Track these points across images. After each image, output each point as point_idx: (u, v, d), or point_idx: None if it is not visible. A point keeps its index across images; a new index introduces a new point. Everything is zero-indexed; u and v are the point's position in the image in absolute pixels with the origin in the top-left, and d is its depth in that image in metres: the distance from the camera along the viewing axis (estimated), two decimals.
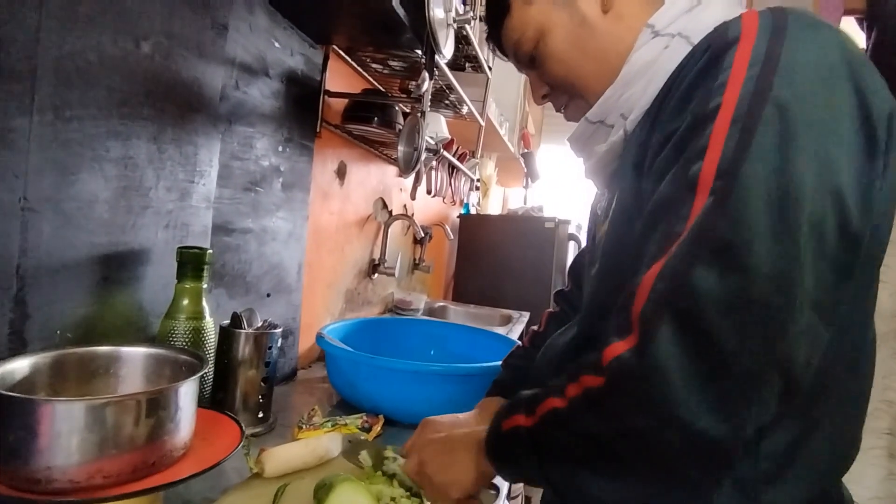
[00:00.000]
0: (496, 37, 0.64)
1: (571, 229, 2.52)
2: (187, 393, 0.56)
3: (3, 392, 0.48)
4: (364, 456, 0.67)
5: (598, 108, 0.57)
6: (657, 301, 0.38)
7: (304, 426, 0.84)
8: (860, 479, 1.52)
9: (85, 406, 0.49)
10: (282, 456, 0.68)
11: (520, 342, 0.86)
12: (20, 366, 0.54)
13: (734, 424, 0.37)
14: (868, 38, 1.55)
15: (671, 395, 0.36)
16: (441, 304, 2.17)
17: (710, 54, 0.43)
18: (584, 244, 0.80)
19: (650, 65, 0.52)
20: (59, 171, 0.59)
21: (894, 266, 1.52)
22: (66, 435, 0.47)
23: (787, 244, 0.37)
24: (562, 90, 0.62)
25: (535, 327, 0.86)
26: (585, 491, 0.46)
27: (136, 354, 0.63)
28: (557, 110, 0.64)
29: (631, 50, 0.54)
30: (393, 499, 0.61)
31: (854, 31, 1.62)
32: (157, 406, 0.53)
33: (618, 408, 0.40)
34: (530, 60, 0.61)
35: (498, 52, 0.66)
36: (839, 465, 0.48)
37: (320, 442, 0.71)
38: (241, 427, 0.64)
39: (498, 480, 0.58)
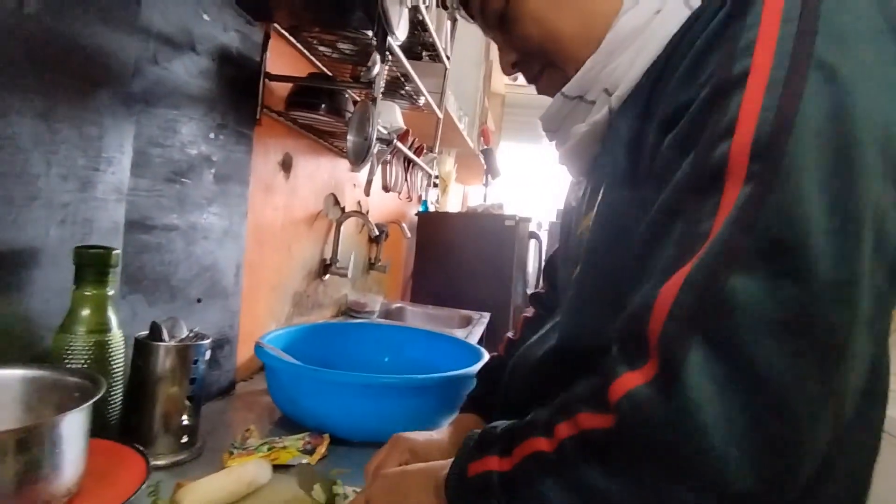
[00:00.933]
0: None
1: (532, 227, 2.47)
2: (73, 425, 0.46)
3: None
4: (317, 491, 0.59)
5: (577, 82, 0.49)
6: (684, 319, 0.31)
7: (235, 451, 0.73)
8: None
9: None
10: (202, 489, 0.58)
11: (492, 354, 0.79)
12: None
13: (783, 482, 0.29)
14: None
15: (704, 446, 0.28)
16: (398, 305, 2.08)
17: (728, 10, 0.35)
18: (545, 243, 0.73)
19: (639, 31, 0.44)
20: None
21: None
22: None
23: (851, 242, 0.30)
24: (535, 57, 0.53)
25: (510, 334, 0.78)
26: None
27: (10, 378, 0.52)
28: (529, 82, 0.56)
29: (618, 12, 0.46)
30: None
31: None
32: (26, 446, 0.42)
33: (631, 459, 0.31)
34: (499, 19, 0.52)
35: (462, 12, 0.57)
36: (858, 499, 0.42)
37: (246, 469, 0.62)
38: (146, 459, 0.53)
39: None
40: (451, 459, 0.44)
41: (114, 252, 0.62)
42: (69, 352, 0.60)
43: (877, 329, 0.34)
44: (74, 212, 0.65)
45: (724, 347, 0.29)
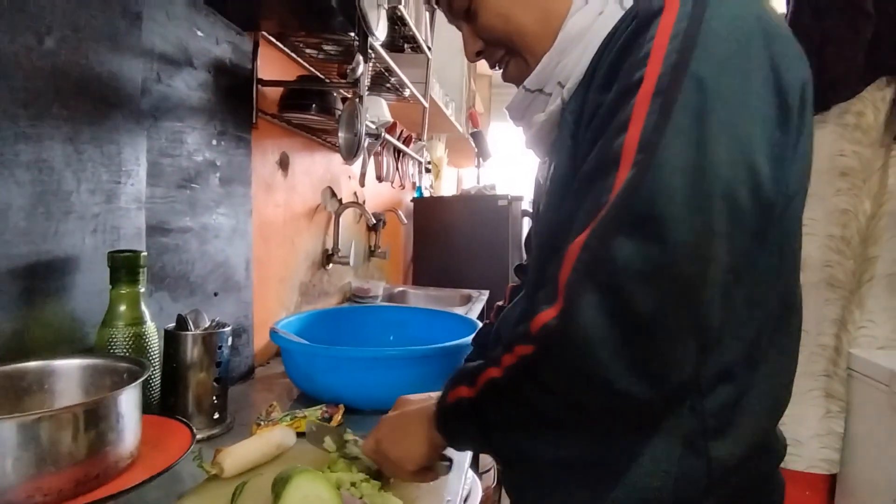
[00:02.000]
0: None
1: (525, 205, 2.55)
2: (129, 400, 0.54)
3: None
4: (328, 442, 0.68)
5: (535, 77, 0.56)
6: (580, 270, 0.40)
7: (262, 423, 0.83)
8: (801, 419, 1.64)
9: (17, 424, 0.47)
10: (238, 452, 0.67)
11: (485, 321, 0.87)
12: None
13: (654, 383, 0.39)
14: (788, 1, 1.61)
15: (594, 358, 0.38)
16: (400, 289, 2.17)
17: (636, 24, 0.44)
18: None
19: (585, 31, 0.52)
20: None
21: (820, 219, 1.62)
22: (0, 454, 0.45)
23: (703, 216, 0.38)
24: (499, 46, 0.60)
25: (499, 302, 0.87)
26: (527, 454, 0.48)
27: (70, 367, 0.61)
28: (492, 67, 0.63)
29: (569, 11, 0.53)
30: (353, 483, 0.61)
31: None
32: (95, 417, 0.51)
33: (548, 373, 0.41)
34: (465, 12, 0.59)
35: (431, 2, 0.65)
36: (776, 415, 0.51)
37: (273, 434, 0.71)
38: (191, 429, 0.62)
39: (453, 452, 0.59)
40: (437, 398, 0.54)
41: (142, 254, 0.71)
42: (111, 343, 0.69)
43: (763, 272, 0.43)
44: (103, 221, 0.73)
45: (608, 290, 0.38)
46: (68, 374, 0.60)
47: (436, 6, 0.65)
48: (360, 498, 0.60)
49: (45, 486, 0.47)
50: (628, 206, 0.39)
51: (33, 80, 0.62)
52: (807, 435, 1.62)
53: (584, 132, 0.47)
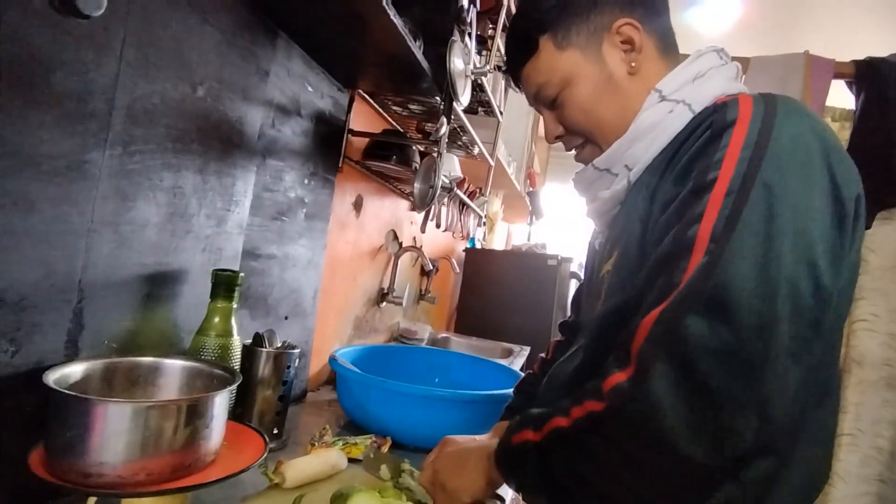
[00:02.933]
0: (517, 72, 0.69)
1: (573, 267, 2.58)
2: (221, 403, 0.62)
3: (66, 391, 0.54)
4: (384, 470, 0.72)
5: (605, 158, 0.64)
6: (654, 341, 0.45)
7: (316, 443, 0.88)
8: None
9: (135, 408, 0.55)
10: (299, 466, 0.73)
11: (527, 371, 0.91)
12: (75, 370, 0.60)
13: (714, 452, 0.43)
14: (857, 100, 1.65)
15: (662, 421, 0.42)
16: (444, 335, 2.22)
17: (712, 132, 0.51)
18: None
19: (655, 125, 0.59)
20: (121, 198, 0.66)
21: (883, 316, 1.58)
22: (117, 434, 0.53)
23: (769, 303, 0.44)
24: (577, 134, 0.68)
25: (542, 355, 0.91)
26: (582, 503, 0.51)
27: (174, 366, 0.69)
28: (567, 150, 0.71)
29: (641, 108, 0.61)
30: None
31: (844, 94, 1.73)
32: (196, 412, 0.58)
33: (616, 431, 0.45)
34: (551, 102, 0.67)
35: (513, 85, 0.73)
36: (811, 493, 0.53)
37: (330, 454, 0.76)
38: (264, 438, 0.69)
39: (503, 491, 0.63)
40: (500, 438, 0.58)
41: (241, 274, 0.80)
42: (202, 350, 0.77)
43: (813, 358, 0.47)
44: (212, 242, 0.84)
45: (678, 362, 0.43)
46: (171, 372, 0.69)
47: (518, 90, 0.73)
48: None
49: (148, 468, 0.55)
50: (701, 289, 0.44)
51: (184, 121, 0.74)
52: None
53: (656, 216, 0.53)
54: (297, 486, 0.72)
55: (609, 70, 0.63)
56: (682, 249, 0.47)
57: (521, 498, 0.69)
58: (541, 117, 0.72)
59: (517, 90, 0.74)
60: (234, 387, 0.64)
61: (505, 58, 0.72)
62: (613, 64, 0.63)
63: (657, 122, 0.59)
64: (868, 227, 1.58)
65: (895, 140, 1.50)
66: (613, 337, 0.56)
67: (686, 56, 0.63)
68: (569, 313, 0.92)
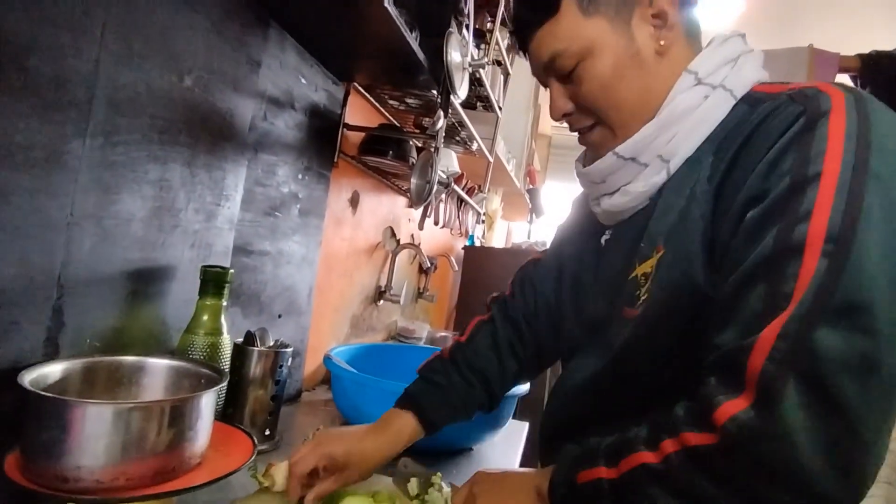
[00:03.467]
0: (528, 35, 0.60)
1: (538, 247, 2.55)
2: (207, 404, 0.59)
3: (42, 392, 0.51)
4: (413, 483, 0.65)
5: (631, 145, 0.56)
6: (780, 361, 0.39)
7: None
8: None
9: (115, 409, 0.52)
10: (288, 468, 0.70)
11: (436, 354, 0.79)
12: (53, 370, 0.58)
13: (855, 486, 0.38)
14: None
15: (797, 458, 0.37)
16: (443, 333, 2.19)
17: (805, 122, 0.46)
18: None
19: (690, 111, 0.54)
20: (103, 191, 0.63)
21: None
22: (96, 436, 0.51)
23: None
24: (589, 114, 0.60)
25: (458, 336, 0.81)
26: None
27: (159, 365, 0.67)
28: (573, 130, 0.64)
29: (669, 91, 0.55)
30: None
31: None
32: (179, 414, 0.56)
33: (735, 469, 0.40)
34: (567, 74, 0.58)
35: (521, 53, 0.64)
36: None
37: None
38: (253, 441, 0.66)
39: None
40: (549, 468, 0.53)
41: (230, 271, 0.78)
42: (191, 349, 0.75)
43: None
44: (201, 238, 0.81)
45: (812, 384, 0.38)
46: (156, 371, 0.66)
47: (525, 57, 0.64)
48: None
49: (129, 472, 0.52)
50: (829, 295, 0.39)
51: (170, 111, 0.72)
52: None
53: (735, 218, 0.48)
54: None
55: (637, 45, 0.56)
56: (789, 252, 0.42)
57: None
58: (540, 112, 0.65)
59: (523, 56, 0.65)
60: (221, 387, 0.61)
61: (515, 15, 0.63)
62: (642, 39, 0.56)
63: (693, 107, 0.54)
64: None
65: None
66: (662, 348, 0.52)
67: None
68: (512, 290, 0.80)
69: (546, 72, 0.61)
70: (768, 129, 0.48)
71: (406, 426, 0.69)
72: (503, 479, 0.58)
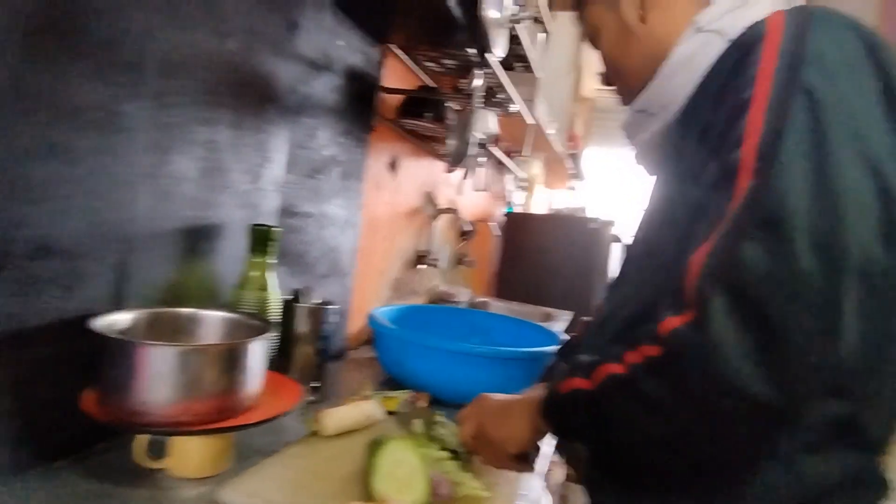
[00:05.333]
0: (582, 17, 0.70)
1: (615, 231, 2.50)
2: (259, 350, 0.63)
3: (111, 335, 0.56)
4: (416, 424, 0.73)
5: (643, 99, 0.62)
6: (709, 276, 0.41)
7: (354, 397, 0.90)
8: None
9: (176, 351, 0.56)
10: (337, 415, 0.74)
11: (571, 334, 0.89)
12: (122, 318, 0.63)
13: (786, 390, 0.39)
14: None
15: (726, 363, 0.39)
16: (483, 299, 2.21)
17: (740, 51, 0.47)
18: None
19: (689, 59, 0.56)
20: (158, 151, 0.67)
21: None
22: (159, 375, 0.55)
23: (830, 216, 0.39)
24: (611, 77, 0.69)
25: (587, 318, 0.88)
26: (637, 451, 0.49)
27: (213, 317, 0.71)
28: (619, 97, 0.70)
29: (667, 52, 0.58)
30: (439, 460, 0.66)
31: None
32: (233, 357, 0.60)
33: (677, 376, 0.43)
34: (592, 42, 0.69)
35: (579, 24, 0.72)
36: (883, 442, 0.49)
37: (367, 405, 0.77)
38: (301, 385, 0.70)
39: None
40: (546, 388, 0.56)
41: (276, 229, 0.81)
42: (242, 304, 0.79)
43: (884, 283, 0.41)
44: (249, 198, 0.84)
45: (738, 295, 0.39)
46: (211, 322, 0.71)
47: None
48: (445, 474, 0.64)
49: (192, 409, 0.56)
50: (752, 210, 0.40)
51: (215, 73, 0.74)
52: None
53: (692, 152, 0.50)
54: (336, 434, 0.73)
55: (623, 19, 0.62)
56: (727, 175, 0.43)
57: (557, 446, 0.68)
58: (583, 72, 0.73)
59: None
60: (268, 336, 0.65)
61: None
62: (625, 12, 0.62)
63: (692, 55, 0.56)
64: None
65: None
66: (640, 279, 0.54)
67: None
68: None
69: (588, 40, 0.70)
70: (720, 66, 0.50)
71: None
72: (505, 405, 0.62)
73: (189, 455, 0.60)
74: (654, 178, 0.67)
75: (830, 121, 0.41)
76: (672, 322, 0.43)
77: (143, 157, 0.65)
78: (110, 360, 0.56)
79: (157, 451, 0.60)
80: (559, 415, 0.54)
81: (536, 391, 0.58)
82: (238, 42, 0.77)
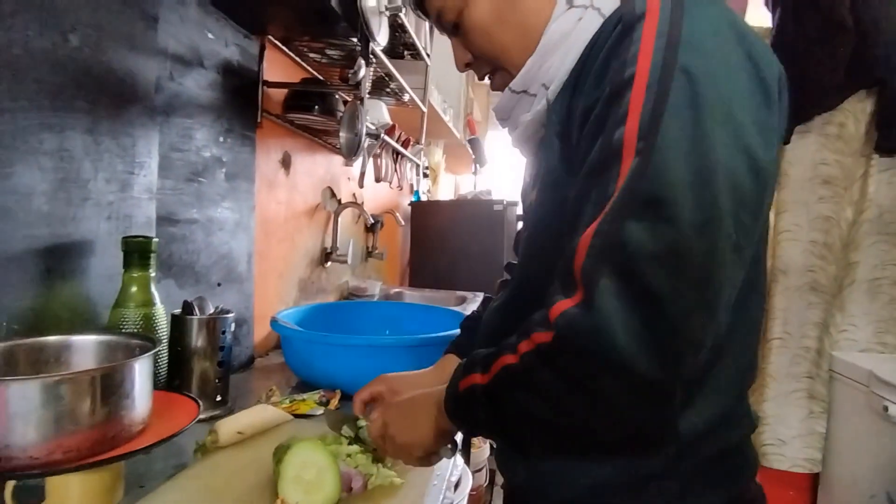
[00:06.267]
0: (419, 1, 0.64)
1: (520, 211, 2.60)
2: (142, 370, 0.58)
3: None
4: (346, 430, 0.70)
5: (520, 79, 0.59)
6: (595, 257, 0.41)
7: (260, 404, 0.86)
8: (785, 420, 1.68)
9: (40, 384, 0.51)
10: (233, 423, 0.72)
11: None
12: None
13: (672, 366, 0.40)
14: (773, 16, 1.68)
15: (615, 344, 0.39)
16: (397, 289, 2.21)
17: (621, 28, 0.47)
18: None
19: (566, 36, 0.55)
20: None
21: (804, 225, 1.67)
22: (22, 413, 0.49)
23: (708, 194, 0.41)
24: (485, 61, 0.63)
25: (489, 295, 0.90)
26: (539, 441, 0.51)
27: (86, 342, 0.65)
28: (480, 79, 0.67)
29: (545, 23, 0.57)
30: (348, 455, 0.65)
31: (759, 13, 1.76)
32: (112, 382, 0.55)
33: (567, 361, 0.42)
34: (454, 28, 0.62)
35: (420, 14, 0.67)
36: (743, 384, 0.55)
37: (265, 407, 0.75)
38: (196, 402, 0.66)
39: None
40: (447, 384, 0.55)
41: (153, 240, 0.75)
42: (123, 323, 0.73)
43: (748, 252, 0.46)
44: (117, 209, 0.77)
45: (623, 274, 0.40)
46: (84, 348, 0.64)
47: (426, 19, 0.68)
48: (356, 468, 0.64)
49: (65, 444, 0.51)
50: (635, 190, 0.41)
51: (58, 74, 0.67)
52: (790, 435, 1.67)
53: (577, 132, 0.50)
54: (237, 445, 0.70)
55: None
56: (611, 155, 0.43)
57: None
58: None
59: (425, 19, 0.68)
60: (150, 354, 0.60)
61: None
62: None
63: (567, 32, 0.55)
64: (787, 142, 1.65)
65: (810, 52, 1.55)
66: (538, 265, 0.54)
67: None
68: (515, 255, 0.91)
69: (440, 28, 0.64)
70: (601, 42, 0.50)
71: (450, 364, 0.76)
72: (409, 406, 0.61)
73: (70, 495, 0.55)
74: (531, 161, 0.68)
75: (706, 101, 0.42)
76: (562, 305, 0.43)
77: None
78: None
79: (32, 495, 0.54)
80: (460, 414, 0.53)
81: (439, 387, 0.57)
82: (83, 38, 0.70)
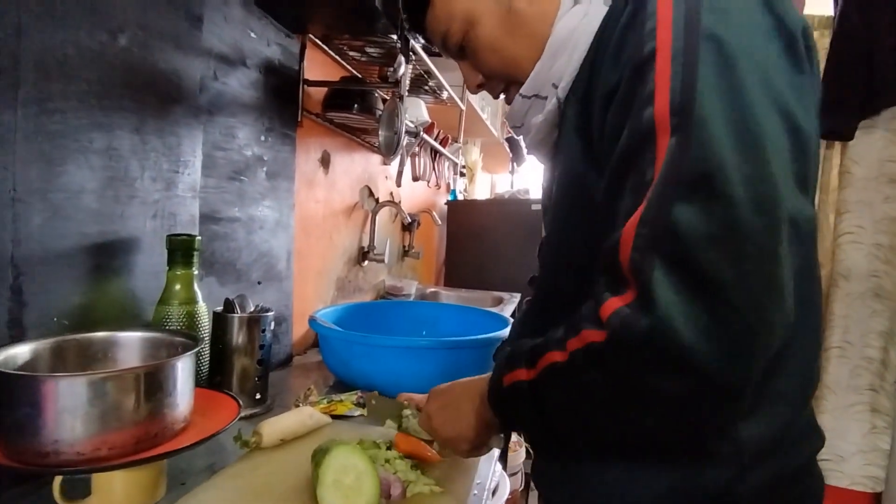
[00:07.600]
0: (420, 28, 0.62)
1: None
2: (184, 368, 0.59)
3: (9, 371, 0.50)
4: (388, 423, 0.71)
5: (530, 82, 0.57)
6: (643, 248, 0.38)
7: (301, 404, 0.86)
8: (845, 434, 1.58)
9: (87, 381, 0.51)
10: (276, 425, 0.71)
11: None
12: (21, 351, 0.56)
13: (745, 361, 0.36)
14: (835, 5, 1.58)
15: (679, 343, 0.35)
16: (433, 289, 2.20)
17: (632, 6, 0.44)
18: None
19: (572, 32, 0.53)
20: (46, 163, 0.60)
21: (868, 227, 1.57)
22: (69, 409, 0.50)
23: (759, 166, 0.37)
24: (497, 78, 0.61)
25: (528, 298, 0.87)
26: (584, 440, 0.48)
27: (131, 339, 0.66)
28: (495, 97, 0.64)
29: (555, 21, 0.54)
30: (387, 460, 0.64)
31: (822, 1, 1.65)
32: (155, 380, 0.55)
33: (621, 363, 0.39)
34: (460, 50, 0.60)
35: (421, 39, 0.65)
36: (805, 394, 0.50)
37: (306, 410, 0.75)
38: (237, 401, 0.66)
39: None
40: (490, 374, 0.54)
41: (197, 238, 0.76)
42: (167, 320, 0.74)
43: (804, 229, 0.41)
44: (163, 207, 0.78)
45: (678, 263, 0.36)
46: (129, 344, 0.65)
47: (428, 43, 0.65)
48: (395, 474, 0.62)
49: (110, 441, 0.52)
50: (680, 170, 0.37)
51: (107, 74, 0.68)
52: (850, 451, 1.56)
53: (598, 121, 0.47)
54: (278, 446, 0.70)
55: (507, 0, 0.56)
56: (644, 138, 0.40)
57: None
58: None
59: (432, 47, 0.66)
60: (197, 352, 0.60)
61: (403, 14, 0.64)
62: None
63: (573, 27, 0.53)
64: (850, 138, 1.55)
65: (878, 43, 1.45)
66: (563, 265, 0.52)
67: None
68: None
69: (446, 52, 0.62)
70: (611, 27, 0.47)
71: None
72: (454, 401, 0.61)
73: (114, 491, 0.56)
74: (547, 167, 0.64)
75: (741, 67, 0.39)
76: (613, 303, 0.39)
77: (26, 170, 0.58)
78: (9, 398, 0.50)
79: (78, 490, 0.55)
80: (504, 408, 0.52)
81: (482, 377, 0.57)
82: (131, 39, 0.71)
